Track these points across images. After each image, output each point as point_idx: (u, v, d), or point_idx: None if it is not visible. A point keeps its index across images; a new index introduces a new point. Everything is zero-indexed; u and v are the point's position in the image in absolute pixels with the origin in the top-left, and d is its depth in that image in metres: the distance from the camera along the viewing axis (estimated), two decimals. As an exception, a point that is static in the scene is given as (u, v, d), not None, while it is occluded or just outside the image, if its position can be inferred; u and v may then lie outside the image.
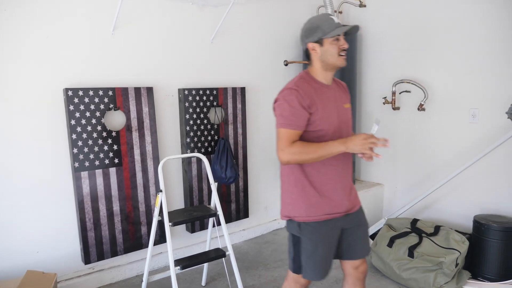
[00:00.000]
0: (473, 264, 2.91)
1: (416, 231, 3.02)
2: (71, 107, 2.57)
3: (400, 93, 3.65)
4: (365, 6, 3.82)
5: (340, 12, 3.91)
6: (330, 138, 1.71)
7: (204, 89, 3.19)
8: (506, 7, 2.86)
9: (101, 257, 2.83)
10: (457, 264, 2.70)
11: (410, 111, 3.62)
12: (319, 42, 1.72)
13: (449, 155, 3.36)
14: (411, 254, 2.80)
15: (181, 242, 3.33)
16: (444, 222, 3.38)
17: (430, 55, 3.40)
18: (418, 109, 3.44)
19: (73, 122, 2.59)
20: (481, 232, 2.85)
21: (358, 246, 1.89)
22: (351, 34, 1.78)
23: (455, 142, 3.31)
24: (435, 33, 3.34)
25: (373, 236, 3.28)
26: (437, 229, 3.02)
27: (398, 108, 3.68)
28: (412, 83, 3.49)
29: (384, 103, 3.69)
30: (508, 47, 2.89)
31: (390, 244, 2.94)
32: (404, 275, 2.75)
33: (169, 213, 2.42)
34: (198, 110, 3.17)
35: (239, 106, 3.43)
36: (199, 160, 3.20)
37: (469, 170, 3.11)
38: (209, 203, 3.26)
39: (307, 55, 1.80)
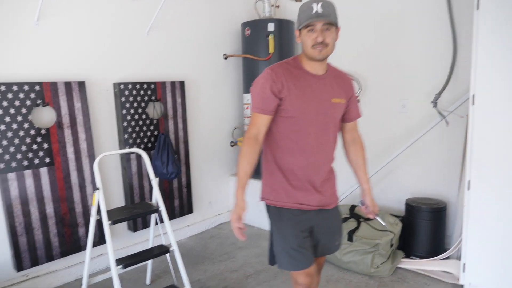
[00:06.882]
0: (406, 244, 3.11)
1: (354, 216, 3.17)
2: (-8, 104, 2.37)
3: (337, 85, 3.78)
4: (301, 0, 3.90)
5: (277, 7, 3.96)
6: (303, 127, 1.68)
7: (141, 83, 3.09)
8: (436, 3, 3.05)
9: (35, 262, 2.66)
10: (391, 245, 2.88)
11: (346, 102, 3.76)
12: (300, 30, 1.64)
13: (383, 143, 3.55)
14: (350, 238, 2.94)
15: (123, 242, 3.22)
16: (379, 206, 3.55)
17: (364, 48, 3.56)
18: (354, 100, 3.59)
19: (-5, 120, 2.39)
20: (412, 214, 3.05)
21: (325, 245, 1.85)
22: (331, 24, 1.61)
23: (387, 131, 3.49)
24: (367, 27, 3.50)
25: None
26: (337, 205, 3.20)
27: (335, 100, 3.80)
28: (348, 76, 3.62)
29: (322, 95, 3.80)
30: (433, 42, 3.10)
31: (331, 230, 3.05)
32: (345, 258, 2.88)
33: (108, 212, 2.32)
34: (135, 105, 3.07)
35: (178, 100, 3.37)
36: (138, 157, 3.10)
37: (401, 157, 3.32)
38: (151, 200, 3.17)
39: None
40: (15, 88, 2.45)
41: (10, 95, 2.43)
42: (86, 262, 2.38)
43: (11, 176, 2.49)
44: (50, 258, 2.72)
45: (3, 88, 2.40)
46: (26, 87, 2.50)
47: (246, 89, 3.82)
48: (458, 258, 2.84)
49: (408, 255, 3.08)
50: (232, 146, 4.02)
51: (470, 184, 2.48)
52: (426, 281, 2.74)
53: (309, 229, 1.77)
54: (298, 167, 1.71)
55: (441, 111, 2.99)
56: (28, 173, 2.56)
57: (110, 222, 2.24)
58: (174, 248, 2.42)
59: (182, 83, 3.38)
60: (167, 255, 2.47)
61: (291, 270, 1.74)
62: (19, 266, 2.59)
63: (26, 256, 2.61)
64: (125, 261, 2.30)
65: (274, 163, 1.74)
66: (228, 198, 4.14)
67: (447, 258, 2.92)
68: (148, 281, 2.84)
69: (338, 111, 1.77)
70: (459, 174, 3.02)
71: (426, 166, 3.28)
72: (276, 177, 1.74)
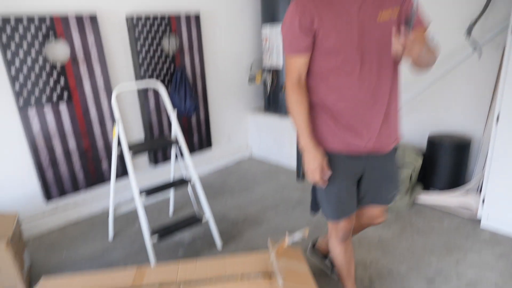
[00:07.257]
0: (425, 178, 3.09)
1: (374, 151, 3.12)
2: (4, 39, 2.34)
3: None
4: None
5: None
6: (347, 59, 1.43)
7: (155, 16, 2.97)
8: None
9: (62, 192, 2.79)
10: (410, 179, 2.85)
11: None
12: None
13: (408, 77, 3.38)
14: (369, 173, 2.92)
15: (145, 176, 3.30)
16: (401, 141, 3.49)
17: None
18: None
19: (9, 55, 2.37)
20: (434, 149, 2.98)
21: (376, 195, 1.68)
22: None
23: (414, 63, 3.31)
24: None
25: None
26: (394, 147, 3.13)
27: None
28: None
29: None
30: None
31: (350, 165, 3.03)
32: (363, 193, 2.89)
33: (129, 145, 2.36)
34: (150, 39, 2.97)
35: (194, 33, 3.24)
36: (156, 93, 3.08)
37: (426, 91, 3.17)
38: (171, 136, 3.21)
39: None
40: (25, 21, 2.39)
41: (21, 30, 2.38)
42: (111, 192, 2.47)
43: (32, 112, 2.52)
44: (76, 188, 2.85)
45: (13, 21, 2.35)
46: (36, 21, 2.43)
47: (265, 21, 3.63)
48: (478, 192, 2.81)
49: (427, 187, 3.07)
50: (250, 82, 3.93)
51: (499, 117, 2.37)
52: (443, 216, 2.74)
53: (357, 177, 1.62)
54: (347, 105, 1.49)
55: (474, 42, 2.78)
56: (48, 109, 2.59)
57: (131, 151, 2.28)
58: (195, 179, 2.45)
59: (197, 15, 3.23)
60: (188, 189, 2.53)
61: (335, 219, 1.65)
62: (48, 195, 2.73)
63: (54, 187, 2.74)
64: (147, 190, 2.37)
65: (318, 105, 1.54)
66: (247, 134, 4.14)
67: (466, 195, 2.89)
68: (170, 213, 2.96)
69: (389, 31, 1.41)
70: (487, 110, 2.87)
71: (452, 101, 3.13)
72: (320, 119, 1.55)
